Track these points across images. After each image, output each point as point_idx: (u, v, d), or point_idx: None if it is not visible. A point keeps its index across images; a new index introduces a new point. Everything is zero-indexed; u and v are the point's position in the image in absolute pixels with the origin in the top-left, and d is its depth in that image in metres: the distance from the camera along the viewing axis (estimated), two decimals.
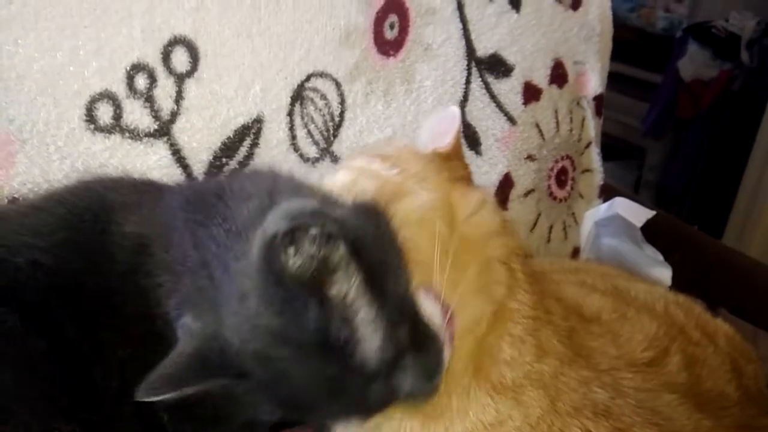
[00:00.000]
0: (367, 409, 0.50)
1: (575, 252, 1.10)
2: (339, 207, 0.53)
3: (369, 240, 0.50)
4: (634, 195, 2.72)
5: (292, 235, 0.44)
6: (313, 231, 0.44)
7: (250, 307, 0.47)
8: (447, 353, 0.51)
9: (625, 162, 2.80)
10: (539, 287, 0.63)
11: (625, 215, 1.05)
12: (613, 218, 1.07)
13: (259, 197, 0.54)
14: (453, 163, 0.66)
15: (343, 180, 0.65)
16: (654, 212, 1.05)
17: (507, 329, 0.57)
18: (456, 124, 0.67)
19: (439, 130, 0.68)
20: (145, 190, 0.63)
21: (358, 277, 0.47)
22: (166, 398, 0.45)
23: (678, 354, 0.61)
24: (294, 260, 0.44)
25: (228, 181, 0.59)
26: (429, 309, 0.52)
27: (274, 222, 0.48)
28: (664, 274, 1.04)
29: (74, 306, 0.52)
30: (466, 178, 0.65)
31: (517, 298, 0.59)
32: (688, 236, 1.08)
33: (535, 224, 1.02)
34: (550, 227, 1.04)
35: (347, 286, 0.46)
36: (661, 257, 1.05)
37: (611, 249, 1.11)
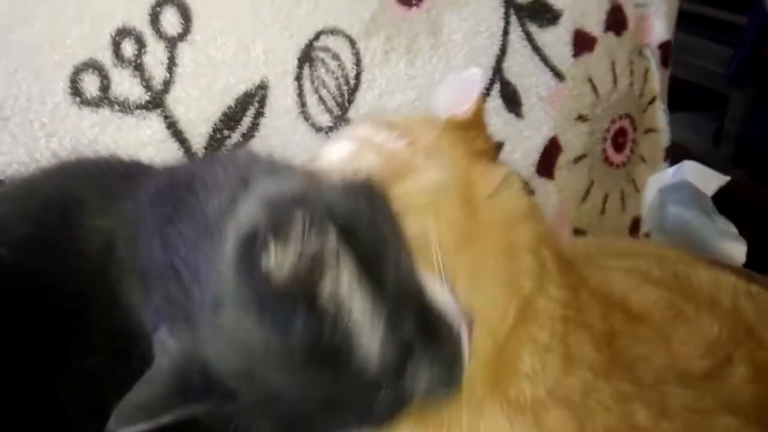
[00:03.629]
0: (377, 418, 0.43)
1: (635, 223, 0.97)
2: (325, 187, 0.46)
3: (361, 222, 0.42)
4: (714, 148, 2.49)
5: (275, 230, 0.38)
6: (298, 222, 0.38)
7: (226, 318, 0.40)
8: (465, 339, 0.44)
9: (705, 112, 2.57)
10: (573, 279, 0.53)
11: (694, 182, 0.91)
12: (680, 185, 0.94)
13: (230, 184, 0.46)
14: (472, 133, 0.56)
15: (343, 152, 0.57)
16: (728, 178, 0.91)
17: (531, 334, 0.48)
18: (478, 88, 0.58)
19: (459, 94, 0.58)
20: (127, 175, 0.57)
21: (350, 268, 0.40)
22: (143, 429, 0.39)
23: (744, 363, 0.50)
24: (279, 262, 0.38)
25: (200, 167, 0.52)
26: (438, 292, 0.44)
27: (250, 213, 0.42)
28: (737, 249, 0.90)
29: (37, 310, 0.47)
30: (487, 153, 0.56)
31: (548, 293, 0.50)
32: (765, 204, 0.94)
33: (587, 194, 0.90)
34: (605, 197, 0.92)
35: (339, 281, 0.40)
36: (734, 230, 0.92)
37: (678, 219, 0.98)
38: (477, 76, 0.59)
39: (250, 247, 0.39)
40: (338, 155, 0.59)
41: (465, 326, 0.44)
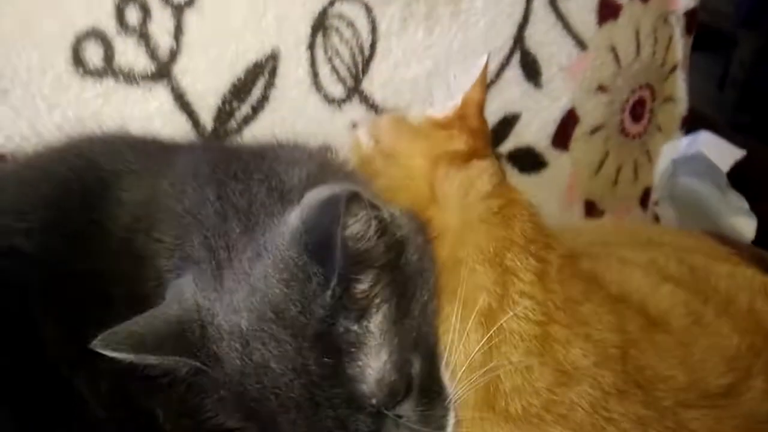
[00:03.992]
0: None
1: (645, 193, 0.96)
2: (390, 206, 0.46)
3: (413, 247, 0.43)
4: (718, 93, 2.44)
5: (356, 202, 0.39)
6: (371, 212, 0.40)
7: (259, 269, 0.41)
8: (451, 421, 0.43)
9: (712, 54, 2.48)
10: (576, 288, 0.50)
11: (709, 155, 0.90)
12: (695, 157, 0.92)
13: (310, 167, 0.48)
14: (449, 133, 0.54)
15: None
16: (744, 152, 0.89)
17: (503, 353, 0.45)
18: (468, 82, 0.55)
19: (457, 89, 0.56)
20: (148, 151, 0.55)
21: (390, 278, 0.40)
22: (123, 357, 0.40)
23: (761, 376, 0.50)
24: (355, 223, 0.39)
25: (271, 145, 0.54)
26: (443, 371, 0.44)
27: (334, 189, 0.42)
28: (747, 225, 0.90)
29: (58, 298, 0.46)
30: (464, 153, 0.53)
31: (514, 310, 0.46)
32: None
33: (600, 166, 0.88)
34: (619, 168, 0.91)
35: (377, 284, 0.40)
36: (746, 205, 0.91)
37: (689, 190, 0.97)
38: (478, 67, 0.56)
39: (333, 206, 0.39)
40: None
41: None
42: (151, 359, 0.40)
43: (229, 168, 0.48)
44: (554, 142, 0.83)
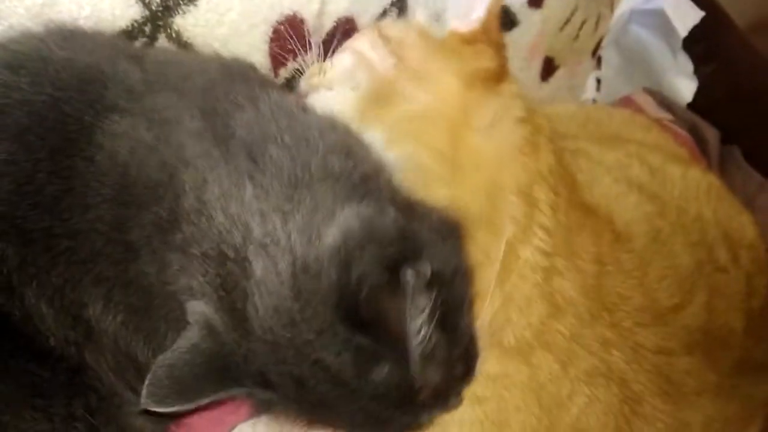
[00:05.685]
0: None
1: (598, 44, 0.94)
2: (418, 219, 0.42)
3: (452, 270, 0.42)
4: None
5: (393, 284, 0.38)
6: (411, 275, 0.38)
7: (300, 333, 0.39)
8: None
9: None
10: (573, 215, 0.52)
11: (670, 15, 0.87)
12: (655, 12, 0.90)
13: (321, 192, 0.41)
14: (476, 48, 0.50)
15: (344, 66, 0.52)
16: (703, 14, 0.88)
17: (512, 283, 0.48)
18: None
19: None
20: (130, 85, 0.44)
21: (436, 310, 0.39)
22: (176, 410, 0.39)
23: (702, 290, 0.57)
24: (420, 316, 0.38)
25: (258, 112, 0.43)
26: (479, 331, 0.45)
27: (360, 250, 0.39)
28: (687, 87, 0.93)
29: (43, 276, 0.41)
30: (493, 71, 0.50)
31: (531, 241, 0.49)
32: (733, 46, 0.93)
33: (567, 22, 0.84)
34: (583, 23, 0.87)
35: (426, 325, 0.39)
36: (691, 68, 0.92)
37: (640, 42, 0.96)
38: None
39: (369, 295, 0.38)
40: (341, 69, 0.52)
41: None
42: (205, 399, 0.39)
43: (230, 160, 0.42)
44: (530, 0, 0.76)
